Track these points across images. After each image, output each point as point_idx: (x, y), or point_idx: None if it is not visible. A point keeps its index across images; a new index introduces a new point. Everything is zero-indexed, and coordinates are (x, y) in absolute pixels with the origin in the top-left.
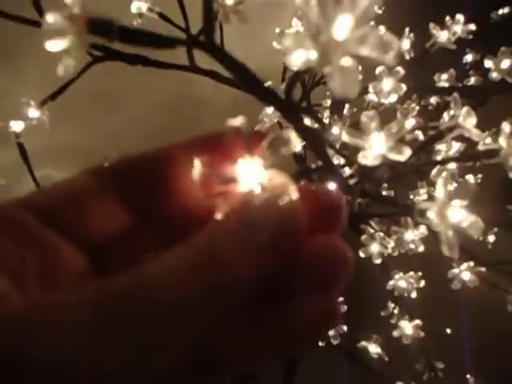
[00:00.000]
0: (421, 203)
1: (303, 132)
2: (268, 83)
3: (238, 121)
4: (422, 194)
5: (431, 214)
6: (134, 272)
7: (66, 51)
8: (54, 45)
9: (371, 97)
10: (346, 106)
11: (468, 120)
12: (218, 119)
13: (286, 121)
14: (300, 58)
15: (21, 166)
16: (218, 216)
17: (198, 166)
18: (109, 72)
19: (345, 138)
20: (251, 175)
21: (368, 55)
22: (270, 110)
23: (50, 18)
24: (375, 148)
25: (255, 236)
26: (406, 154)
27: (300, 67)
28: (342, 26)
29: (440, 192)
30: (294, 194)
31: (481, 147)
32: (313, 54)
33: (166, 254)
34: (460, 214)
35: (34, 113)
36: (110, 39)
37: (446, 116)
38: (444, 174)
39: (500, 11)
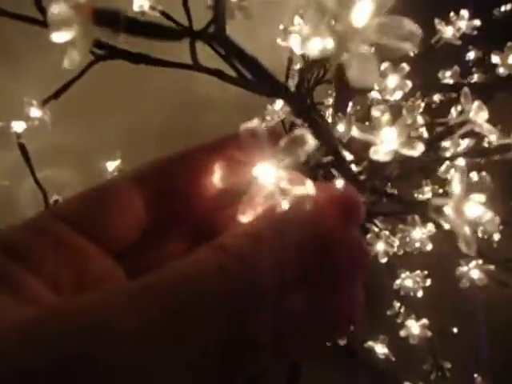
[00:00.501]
0: (435, 199)
1: (314, 126)
2: None
3: (253, 123)
4: (427, 192)
5: (447, 210)
6: (168, 268)
7: (71, 42)
8: (60, 36)
9: (375, 94)
10: (350, 104)
11: (480, 114)
12: (221, 119)
13: (294, 115)
14: (316, 46)
15: (23, 167)
16: (243, 219)
17: (219, 170)
18: (110, 72)
19: (355, 132)
20: (271, 177)
21: (388, 44)
22: (276, 106)
23: (56, 8)
24: (387, 143)
25: (286, 241)
26: (419, 149)
27: (317, 55)
28: (361, 13)
29: (456, 187)
30: (318, 196)
31: (493, 142)
32: (329, 42)
33: (195, 254)
34: (477, 210)
35: (35, 112)
36: (116, 30)
37: (453, 111)
38: (460, 169)
39: (502, 8)
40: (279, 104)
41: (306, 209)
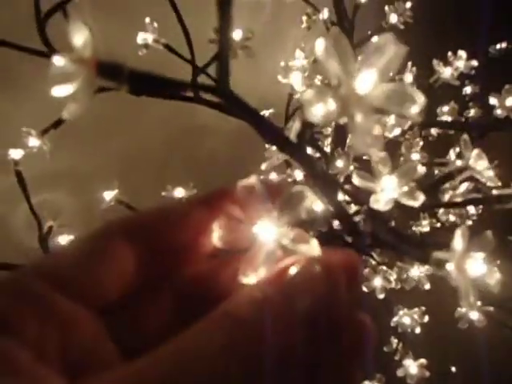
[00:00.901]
0: (437, 253)
1: (316, 178)
2: (270, 111)
3: (251, 179)
4: (425, 225)
5: (449, 266)
6: (170, 345)
7: (72, 95)
8: (60, 90)
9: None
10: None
11: (479, 162)
12: (222, 146)
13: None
14: (319, 111)
15: (18, 193)
16: (244, 280)
17: (215, 226)
18: (108, 98)
19: (355, 181)
20: (272, 234)
21: (391, 110)
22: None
23: (59, 61)
24: (387, 192)
25: (297, 307)
26: (420, 199)
27: (320, 121)
28: (365, 82)
29: (458, 243)
30: (324, 259)
31: (494, 191)
32: (332, 106)
33: (201, 325)
34: (479, 268)
35: (34, 142)
36: (120, 84)
37: (452, 153)
38: (462, 227)
39: (498, 46)
40: None
41: (315, 272)
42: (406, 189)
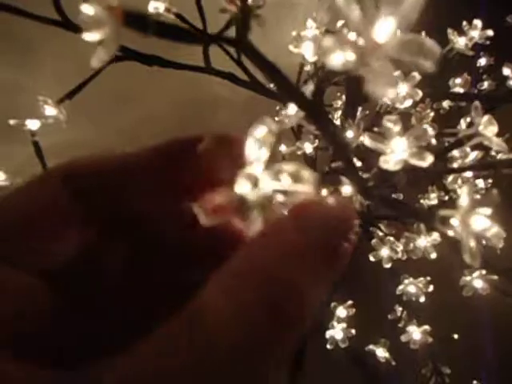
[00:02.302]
0: (442, 210)
1: (328, 134)
2: None
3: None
4: (433, 198)
5: (454, 222)
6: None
7: (100, 43)
8: (90, 36)
9: (384, 100)
10: (359, 109)
11: (489, 129)
12: (230, 119)
13: (310, 122)
14: (339, 59)
15: (35, 164)
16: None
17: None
18: (122, 70)
19: (366, 141)
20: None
21: (408, 60)
22: (289, 111)
23: (88, 8)
24: (397, 153)
25: (317, 244)
26: (428, 160)
27: (338, 69)
28: (384, 30)
29: (464, 200)
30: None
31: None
32: (351, 56)
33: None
34: (483, 223)
35: (51, 111)
36: (145, 33)
37: (463, 122)
38: (469, 182)
39: None
40: (293, 109)
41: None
42: (414, 150)
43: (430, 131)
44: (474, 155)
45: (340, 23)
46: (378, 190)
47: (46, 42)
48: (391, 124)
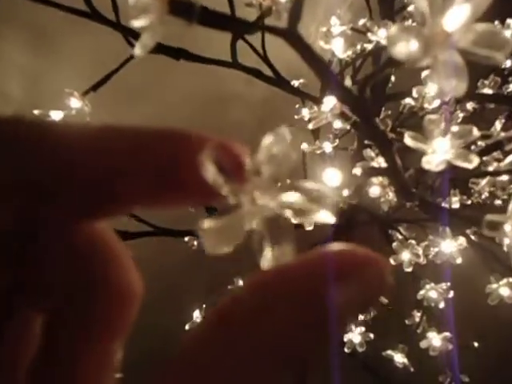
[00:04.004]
0: (490, 215)
1: (372, 131)
2: (300, 81)
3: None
4: (455, 201)
5: (507, 227)
6: None
7: (146, 29)
8: (138, 22)
9: (408, 100)
10: (382, 109)
11: None
12: (245, 118)
13: (357, 117)
14: (404, 49)
15: None
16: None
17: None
18: (138, 64)
19: (408, 141)
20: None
21: (479, 52)
22: (324, 107)
23: None
24: (440, 153)
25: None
26: (474, 162)
27: (402, 59)
28: (455, 18)
29: None
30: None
31: None
32: (415, 46)
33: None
34: None
35: (76, 103)
36: (190, 21)
37: (497, 124)
38: None
39: None
40: (328, 105)
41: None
42: (459, 151)
43: (475, 131)
44: (511, 158)
45: (362, 21)
46: (419, 192)
47: (67, 35)
48: (432, 124)
